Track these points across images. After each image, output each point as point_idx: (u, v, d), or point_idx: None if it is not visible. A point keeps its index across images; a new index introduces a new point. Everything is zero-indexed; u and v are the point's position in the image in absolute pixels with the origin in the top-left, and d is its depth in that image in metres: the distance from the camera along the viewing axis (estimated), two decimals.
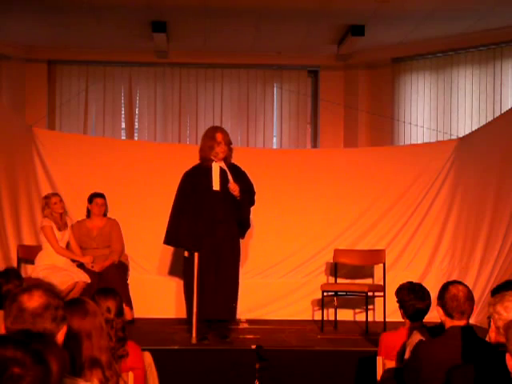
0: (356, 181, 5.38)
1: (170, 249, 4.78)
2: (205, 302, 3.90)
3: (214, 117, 6.45)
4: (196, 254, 3.91)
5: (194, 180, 4.04)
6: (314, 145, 6.64)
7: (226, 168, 4.06)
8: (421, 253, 5.23)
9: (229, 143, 4.05)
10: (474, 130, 5.51)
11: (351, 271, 5.23)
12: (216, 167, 4.05)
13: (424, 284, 2.97)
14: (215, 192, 4.00)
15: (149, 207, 5.18)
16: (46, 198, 4.67)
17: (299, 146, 6.50)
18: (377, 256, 4.96)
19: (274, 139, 6.64)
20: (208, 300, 3.92)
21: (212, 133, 4.05)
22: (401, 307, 2.81)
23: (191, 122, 6.47)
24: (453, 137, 5.58)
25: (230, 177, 4.05)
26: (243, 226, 4.10)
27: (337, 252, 5.07)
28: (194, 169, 4.11)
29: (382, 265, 4.88)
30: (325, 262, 5.23)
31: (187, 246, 3.98)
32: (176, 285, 4.84)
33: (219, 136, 4.00)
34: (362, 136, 6.37)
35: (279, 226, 5.22)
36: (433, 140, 5.90)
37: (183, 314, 4.28)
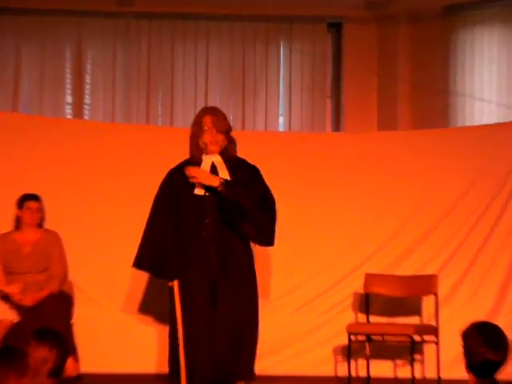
0: (395, 179, 5.26)
1: (142, 274, 4.75)
2: (198, 357, 3.86)
3: (197, 89, 6.27)
4: (175, 284, 3.91)
5: (177, 181, 4.04)
6: (336, 127, 6.49)
7: (219, 163, 3.99)
8: (488, 281, 5.09)
9: (225, 130, 4.01)
10: None
11: (389, 306, 5.12)
12: (206, 163, 4.02)
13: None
14: (199, 198, 3.95)
15: (106, 215, 5.10)
16: None
17: (315, 129, 6.35)
18: (426, 284, 4.85)
19: (281, 119, 6.50)
20: (202, 354, 3.87)
21: (198, 117, 4.06)
22: (466, 356, 2.64)
23: (164, 95, 6.30)
24: None
25: (220, 173, 3.96)
26: (253, 234, 3.97)
27: (369, 278, 4.96)
28: (181, 166, 4.09)
29: (433, 297, 4.77)
30: (352, 293, 5.13)
31: (163, 272, 4.01)
32: (149, 326, 4.80)
33: (207, 120, 3.98)
34: (402, 115, 6.19)
35: (288, 241, 5.07)
36: (503, 120, 5.74)
37: (163, 367, 4.21)
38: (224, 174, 4.00)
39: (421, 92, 6.09)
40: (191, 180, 3.96)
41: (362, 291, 4.98)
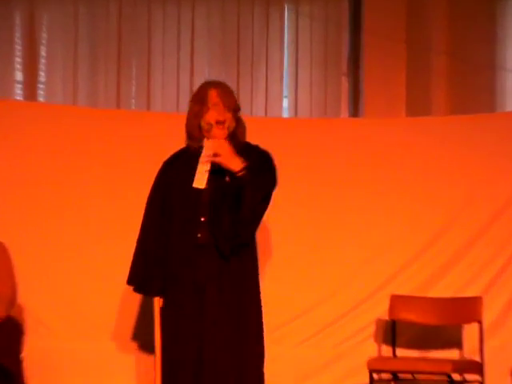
0: (427, 176, 5.22)
1: (114, 294, 4.77)
2: None
3: (180, 63, 6.15)
4: (157, 301, 3.92)
5: (173, 173, 4.03)
6: (355, 111, 6.36)
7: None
8: None
9: (233, 107, 3.98)
10: None
11: (421, 336, 5.08)
12: (208, 148, 3.99)
13: None
14: (197, 192, 3.91)
15: (65, 221, 5.06)
16: None
17: (328, 114, 6.25)
18: (467, 309, 4.82)
19: (285, 102, 6.37)
20: None
21: (201, 91, 4.02)
22: None
23: (139, 72, 6.20)
24: None
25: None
26: (236, 231, 3.92)
27: (395, 301, 4.91)
28: (176, 156, 4.11)
29: (476, 325, 4.77)
30: (374, 319, 5.08)
31: (146, 287, 4.00)
32: (122, 358, 4.80)
33: (212, 94, 3.94)
34: (437, 97, 6.10)
35: (295, 253, 5.12)
36: None
37: None
38: None
39: (460, 68, 6.03)
40: (208, 158, 3.86)
41: (386, 317, 4.93)
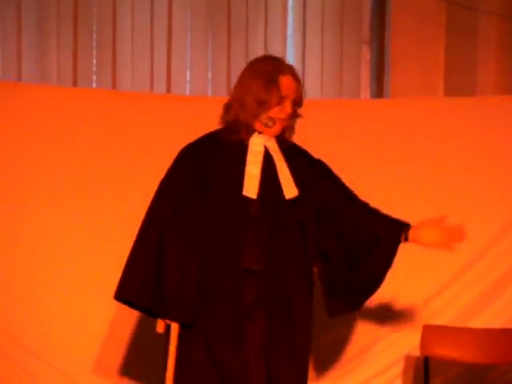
0: (472, 174, 5.42)
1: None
2: None
3: (154, 27, 6.26)
4: (175, 327, 3.89)
5: (215, 168, 3.99)
6: (378, 91, 6.40)
7: (276, 151, 4.00)
8: None
9: (299, 100, 4.00)
10: None
11: (461, 377, 5.23)
12: (257, 146, 4.01)
13: None
14: (247, 202, 3.94)
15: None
16: None
17: (344, 94, 6.29)
18: None
19: None
20: None
21: (269, 72, 3.96)
22: None
23: (101, 40, 6.28)
24: None
25: (280, 170, 3.98)
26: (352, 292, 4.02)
27: (429, 332, 4.92)
28: (207, 144, 4.04)
29: None
30: (403, 356, 5.23)
31: (165, 310, 3.91)
32: None
33: (286, 82, 3.95)
34: (485, 70, 6.25)
35: None
36: None
37: None
38: (283, 168, 4.03)
39: None
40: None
41: (417, 353, 4.96)
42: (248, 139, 3.95)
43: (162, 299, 3.90)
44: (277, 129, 3.95)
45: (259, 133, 3.94)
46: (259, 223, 3.91)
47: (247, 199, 3.89)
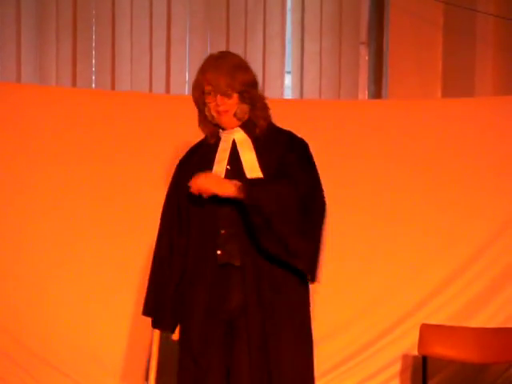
0: (471, 176, 5.39)
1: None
2: None
3: (153, 31, 6.26)
4: (156, 332, 4.13)
5: (188, 174, 4.00)
6: (377, 91, 6.41)
7: (243, 141, 4.02)
8: None
9: (231, 88, 3.93)
10: None
11: (458, 376, 5.21)
12: (224, 144, 4.04)
13: None
14: (217, 199, 3.91)
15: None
16: None
17: (342, 95, 6.28)
18: None
19: (287, 79, 6.39)
20: None
21: (197, 74, 4.01)
22: None
23: (101, 41, 6.32)
24: None
25: (244, 157, 3.98)
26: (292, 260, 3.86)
27: (427, 332, 4.93)
28: (192, 152, 4.14)
29: None
30: (400, 355, 5.21)
31: (159, 320, 4.12)
32: None
33: (205, 78, 3.95)
34: (483, 71, 6.22)
35: None
36: None
37: None
38: (248, 158, 4.01)
39: None
40: (197, 193, 3.88)
41: (415, 352, 4.96)
42: (219, 137, 4.03)
43: (144, 310, 4.16)
44: (225, 120, 3.97)
45: (223, 129, 4.00)
46: (230, 219, 3.92)
47: (215, 197, 3.89)
